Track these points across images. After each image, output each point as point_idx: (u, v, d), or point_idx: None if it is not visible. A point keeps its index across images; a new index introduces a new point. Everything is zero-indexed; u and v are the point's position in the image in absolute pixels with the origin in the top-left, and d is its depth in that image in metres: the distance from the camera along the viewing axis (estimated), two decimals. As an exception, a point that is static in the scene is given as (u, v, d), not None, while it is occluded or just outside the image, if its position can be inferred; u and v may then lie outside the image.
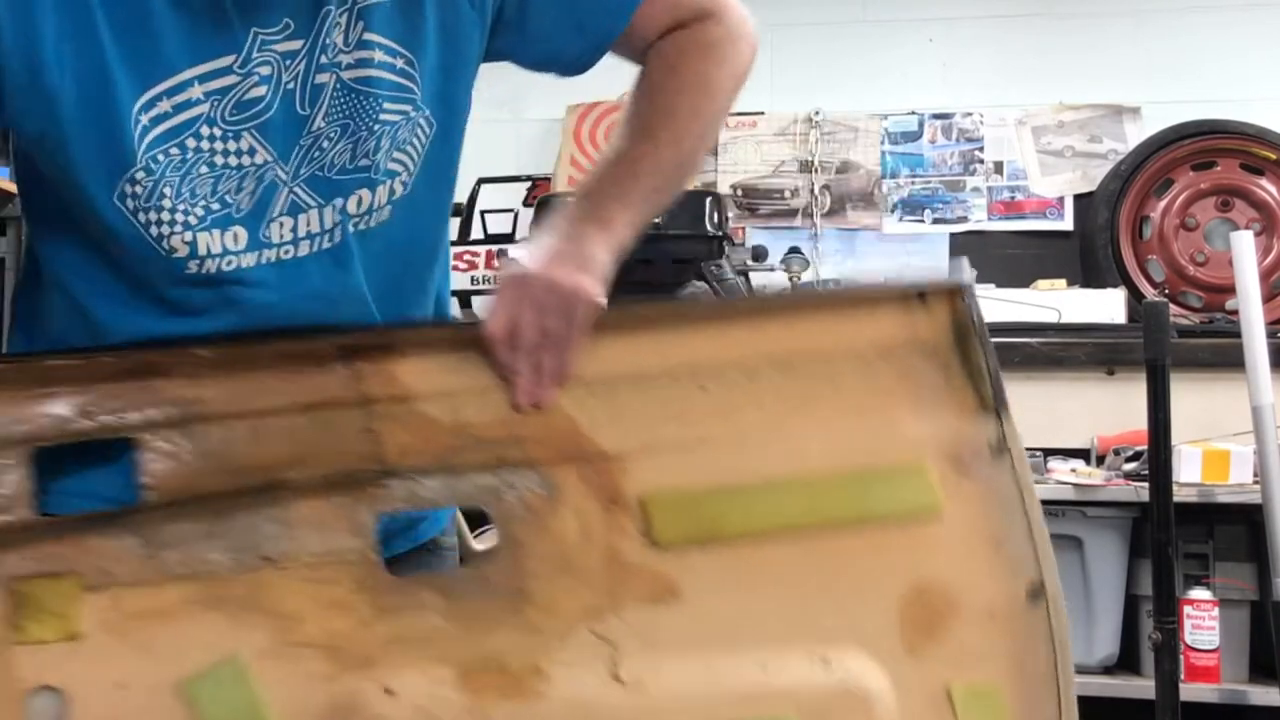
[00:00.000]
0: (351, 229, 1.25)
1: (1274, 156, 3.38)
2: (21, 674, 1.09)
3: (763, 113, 3.85)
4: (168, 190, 1.16)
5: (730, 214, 3.59)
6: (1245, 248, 2.63)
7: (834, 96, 3.83)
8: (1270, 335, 2.68)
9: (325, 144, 1.21)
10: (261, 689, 1.10)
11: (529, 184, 3.86)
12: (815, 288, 1.27)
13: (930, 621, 1.18)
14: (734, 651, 1.15)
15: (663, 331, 1.22)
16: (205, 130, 1.16)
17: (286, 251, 1.23)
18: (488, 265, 3.69)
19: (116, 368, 1.15)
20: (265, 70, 1.17)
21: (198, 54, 1.15)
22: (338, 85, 1.20)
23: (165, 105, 1.14)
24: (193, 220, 1.18)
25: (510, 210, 3.81)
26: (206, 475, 1.14)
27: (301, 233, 1.23)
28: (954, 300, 1.23)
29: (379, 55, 1.21)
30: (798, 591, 1.17)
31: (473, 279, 3.57)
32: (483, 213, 3.78)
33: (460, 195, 3.79)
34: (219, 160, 1.17)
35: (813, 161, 3.84)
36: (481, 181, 3.80)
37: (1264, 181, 3.42)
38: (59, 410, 1.13)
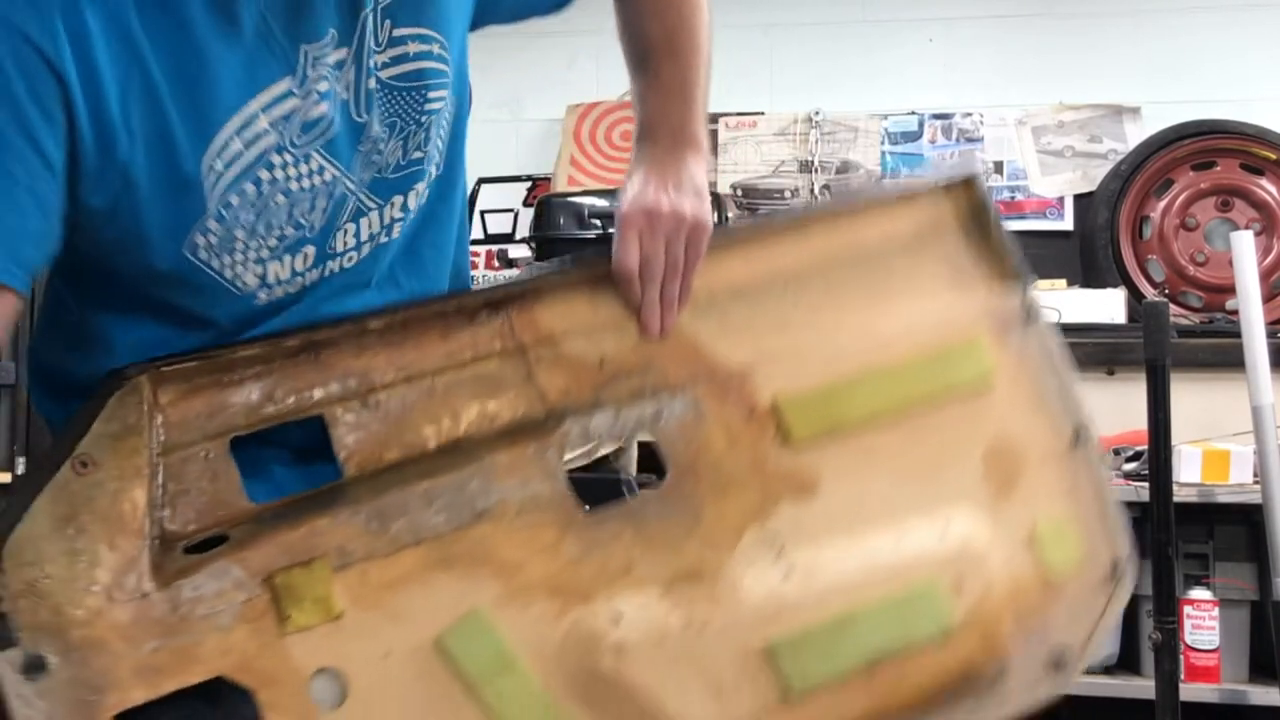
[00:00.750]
0: (411, 221, 1.26)
1: (1274, 156, 3.38)
2: (299, 662, 1.14)
3: (763, 113, 3.85)
4: (240, 234, 1.15)
5: (730, 214, 3.59)
6: (1245, 248, 2.63)
7: (834, 96, 3.83)
8: (1270, 335, 2.68)
9: (382, 147, 1.21)
10: (506, 633, 1.17)
11: (529, 184, 3.87)
12: (860, 192, 1.45)
13: (1007, 475, 1.33)
14: (872, 531, 1.28)
15: (751, 247, 1.34)
16: (276, 159, 1.14)
17: (350, 259, 1.23)
18: (488, 265, 3.69)
19: (291, 349, 1.20)
20: (323, 86, 1.15)
21: (256, 84, 1.12)
22: (378, 86, 1.19)
23: (237, 144, 1.12)
24: (265, 253, 1.17)
25: (510, 210, 3.81)
26: (394, 442, 1.21)
27: (364, 236, 1.23)
28: (969, 187, 1.39)
29: (414, 47, 1.21)
30: (907, 469, 1.31)
31: (472, 279, 3.57)
32: (483, 213, 3.78)
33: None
34: (294, 186, 1.16)
35: (813, 161, 3.84)
36: (481, 181, 3.80)
37: (1264, 181, 3.42)
38: (248, 398, 1.19)
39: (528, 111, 3.99)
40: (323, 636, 1.14)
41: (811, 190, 3.84)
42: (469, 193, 3.90)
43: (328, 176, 1.18)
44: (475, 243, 3.68)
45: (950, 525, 1.30)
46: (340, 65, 1.16)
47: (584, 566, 1.21)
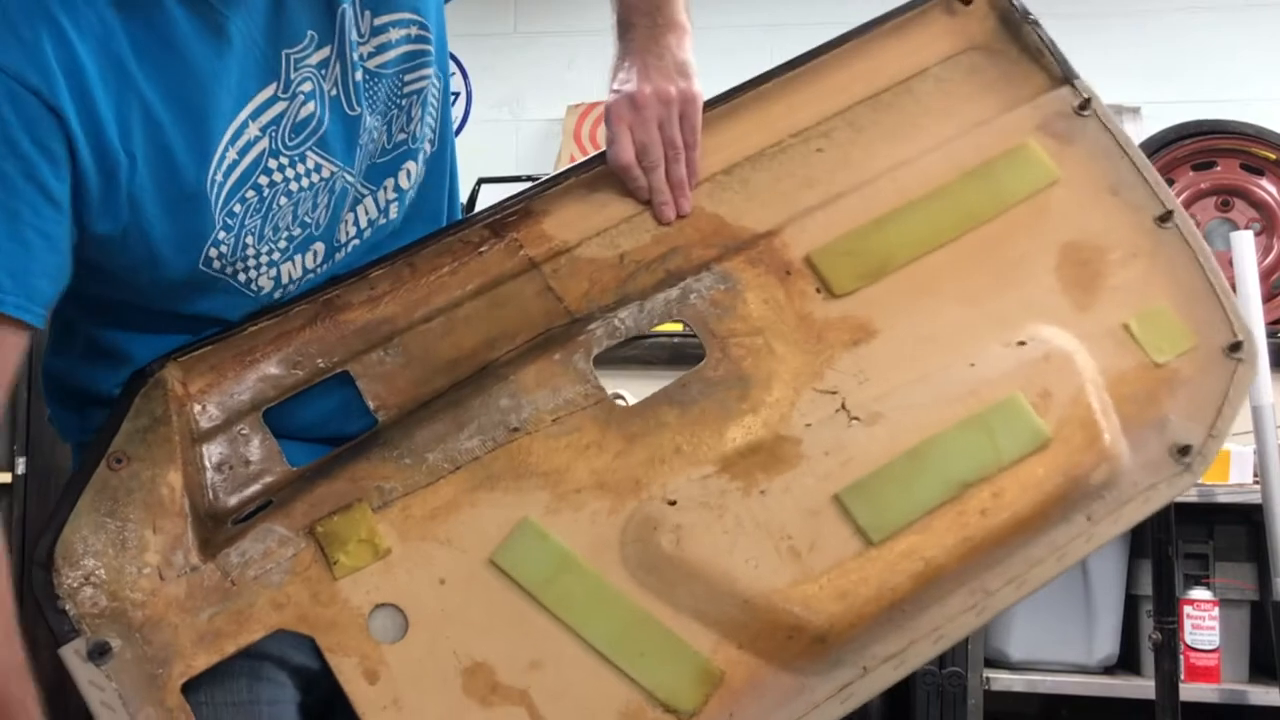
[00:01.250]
0: (407, 203, 1.26)
1: (1274, 156, 3.38)
2: (356, 602, 1.16)
3: (763, 113, 3.84)
4: (250, 239, 1.16)
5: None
6: (1245, 248, 2.63)
7: (834, 96, 3.82)
8: (1270, 335, 2.67)
9: (375, 134, 1.22)
10: (560, 538, 1.18)
11: (529, 184, 3.86)
12: (866, 23, 1.36)
13: (1087, 276, 1.27)
14: (941, 361, 1.24)
15: (763, 108, 1.30)
16: (272, 163, 1.15)
17: (353, 245, 1.25)
18: (488, 265, 3.69)
19: (305, 315, 1.22)
20: (307, 87, 1.16)
21: (245, 94, 1.13)
22: (366, 77, 1.20)
23: (232, 154, 1.13)
24: (276, 255, 1.19)
25: (510, 210, 3.81)
26: (423, 381, 1.22)
27: (363, 224, 1.25)
28: None
29: (395, 33, 1.21)
30: (971, 291, 1.26)
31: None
32: (483, 213, 3.78)
33: (461, 195, 3.80)
34: (294, 187, 1.17)
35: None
36: (481, 181, 3.80)
37: (1264, 181, 3.41)
38: (272, 369, 1.21)
39: (528, 111, 3.99)
40: (374, 575, 1.16)
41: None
42: (470, 193, 3.91)
43: (325, 173, 1.19)
44: (475, 243, 3.68)
45: (1029, 336, 1.24)
46: (325, 64, 1.17)
47: (630, 458, 1.20)
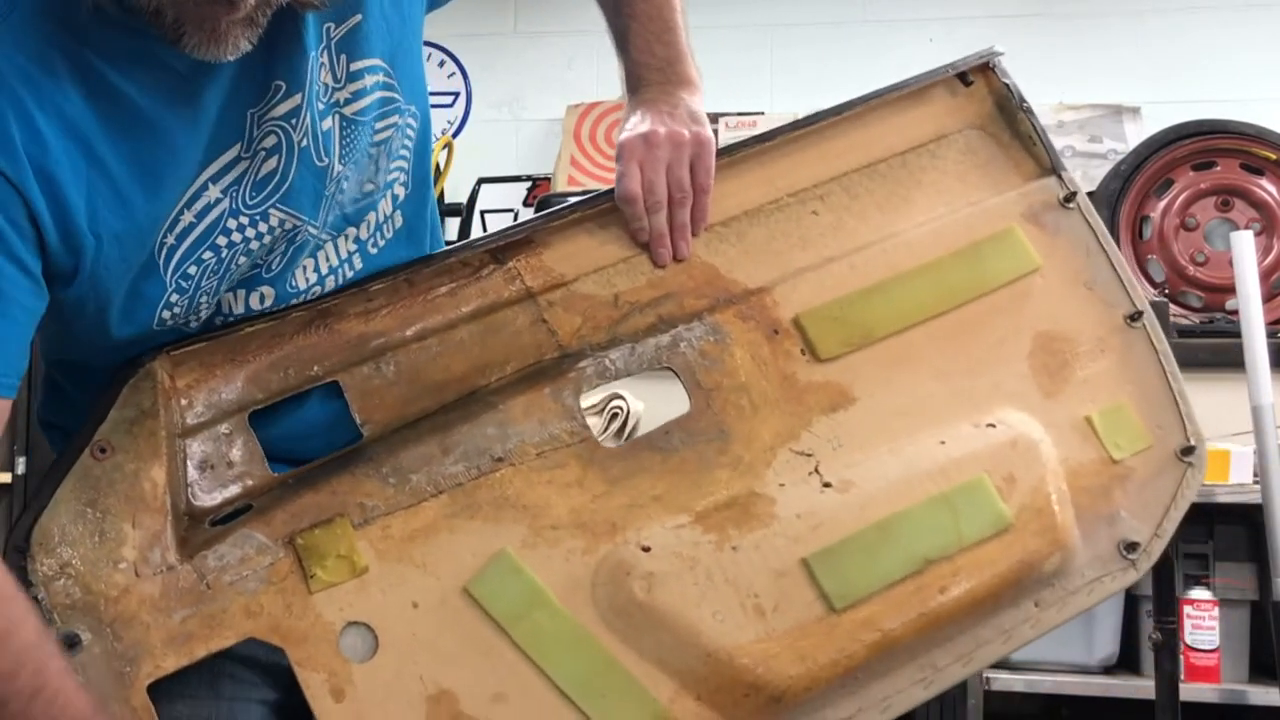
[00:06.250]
0: (370, 250, 1.25)
1: (1274, 156, 3.38)
2: (329, 618, 1.15)
3: (763, 113, 3.84)
4: (204, 300, 1.15)
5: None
6: (1245, 248, 2.63)
7: (834, 96, 3.81)
8: (1270, 335, 2.67)
9: (344, 184, 1.20)
10: (534, 574, 1.18)
11: (529, 184, 3.86)
12: (873, 92, 1.36)
13: (1056, 365, 1.30)
14: (914, 436, 1.26)
15: (764, 166, 1.32)
16: (231, 223, 1.14)
17: (314, 293, 1.23)
18: (488, 265, 3.68)
19: (300, 321, 1.22)
20: (270, 142, 1.14)
21: (207, 155, 1.11)
22: (342, 124, 1.18)
23: (189, 217, 1.12)
24: (221, 289, 1.17)
25: (510, 210, 3.81)
26: (411, 399, 1.22)
27: (324, 270, 1.23)
28: (989, 74, 1.35)
29: (369, 80, 1.19)
30: (947, 369, 1.28)
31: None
32: (483, 213, 3.78)
33: (460, 195, 3.80)
34: (254, 246, 1.16)
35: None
36: (481, 181, 3.80)
37: (1264, 181, 3.41)
38: (262, 372, 1.21)
39: (528, 111, 3.99)
40: (350, 592, 1.16)
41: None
42: (470, 193, 3.91)
43: (288, 226, 1.17)
44: (475, 243, 3.68)
45: (998, 420, 1.26)
46: (294, 114, 1.14)
47: (610, 500, 1.20)
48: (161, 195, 1.10)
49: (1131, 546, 1.27)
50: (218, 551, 1.15)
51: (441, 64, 3.88)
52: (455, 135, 3.91)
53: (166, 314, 1.14)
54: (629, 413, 2.52)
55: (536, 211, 3.42)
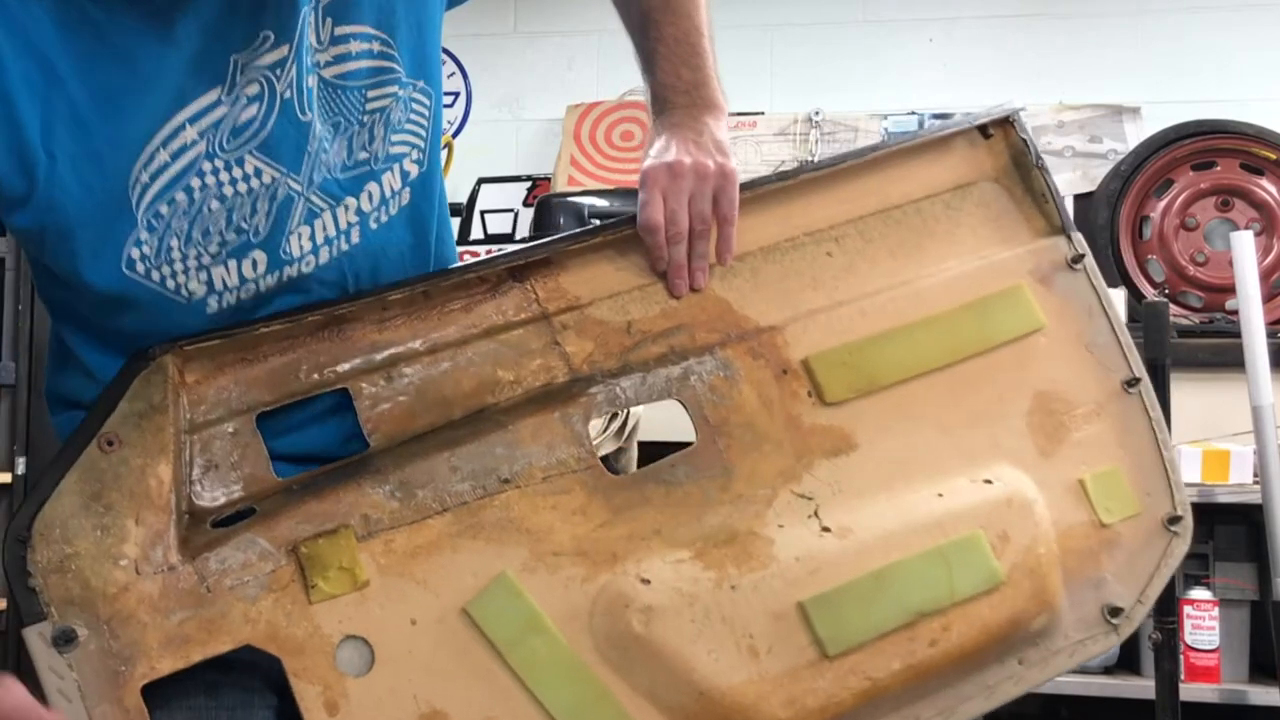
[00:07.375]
0: (372, 225, 1.25)
1: (1274, 156, 3.38)
2: (327, 630, 1.15)
3: (762, 113, 3.85)
4: (175, 242, 1.14)
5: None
6: (1245, 248, 2.63)
7: (834, 96, 3.83)
8: (1270, 335, 2.68)
9: (328, 145, 1.20)
10: (533, 598, 1.18)
11: (529, 184, 3.86)
12: (893, 140, 1.36)
13: (1053, 425, 1.31)
14: (912, 486, 1.26)
15: (782, 204, 1.33)
16: (207, 166, 1.13)
17: (308, 263, 1.22)
18: (488, 265, 3.68)
19: (314, 325, 1.21)
20: (253, 90, 1.14)
21: (183, 96, 1.11)
22: (321, 85, 1.18)
23: (163, 156, 1.11)
24: (206, 259, 1.17)
25: (510, 210, 3.81)
26: (419, 413, 1.21)
27: (319, 240, 1.22)
28: (1008, 130, 1.36)
29: (355, 46, 1.19)
30: (948, 421, 1.29)
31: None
32: (483, 213, 3.78)
33: (460, 195, 3.80)
34: (228, 191, 1.15)
35: (813, 162, 3.84)
36: (481, 181, 3.80)
37: (1264, 181, 3.41)
38: (273, 373, 1.20)
39: (528, 111, 4.00)
40: (349, 605, 1.15)
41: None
42: (470, 193, 3.91)
43: (266, 179, 1.17)
44: (475, 243, 3.68)
45: (995, 476, 1.27)
46: (281, 64, 1.14)
47: (612, 530, 1.20)
48: (125, 122, 1.09)
49: (1115, 611, 1.29)
50: (220, 554, 1.14)
51: (441, 64, 3.89)
52: (455, 135, 3.92)
53: (135, 253, 1.13)
54: (629, 413, 2.52)
55: (535, 213, 3.44)
